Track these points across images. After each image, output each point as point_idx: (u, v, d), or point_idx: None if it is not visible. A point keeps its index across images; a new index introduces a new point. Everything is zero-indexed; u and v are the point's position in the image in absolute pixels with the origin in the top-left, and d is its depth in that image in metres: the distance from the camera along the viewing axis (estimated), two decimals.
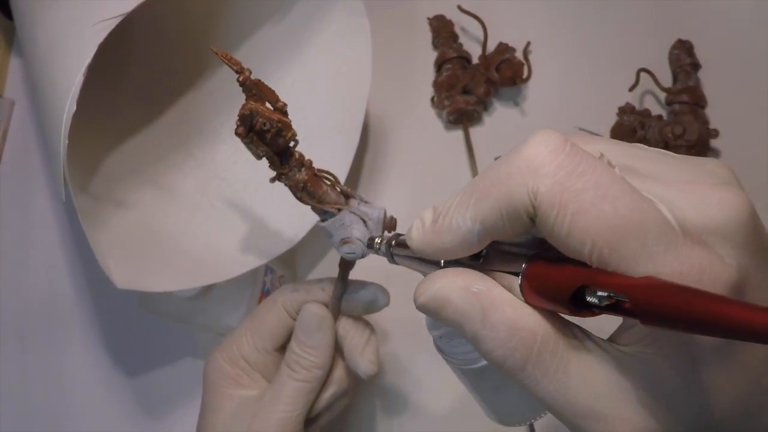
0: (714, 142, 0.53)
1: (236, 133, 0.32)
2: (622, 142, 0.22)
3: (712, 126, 0.53)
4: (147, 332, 0.56)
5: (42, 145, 0.65)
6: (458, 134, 0.58)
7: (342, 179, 0.45)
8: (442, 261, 0.24)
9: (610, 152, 0.21)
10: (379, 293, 0.39)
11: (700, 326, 0.16)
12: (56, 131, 0.38)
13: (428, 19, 0.61)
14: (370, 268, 0.41)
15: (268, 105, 0.32)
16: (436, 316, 0.22)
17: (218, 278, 0.45)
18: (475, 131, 0.57)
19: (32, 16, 0.45)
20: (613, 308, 0.18)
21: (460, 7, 0.59)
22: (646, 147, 0.22)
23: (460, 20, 0.60)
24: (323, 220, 0.35)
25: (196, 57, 0.55)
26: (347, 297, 0.39)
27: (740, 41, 0.57)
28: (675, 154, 0.22)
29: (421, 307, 0.23)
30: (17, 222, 0.62)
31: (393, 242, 0.30)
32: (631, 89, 0.55)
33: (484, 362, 0.31)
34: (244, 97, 0.55)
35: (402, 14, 0.63)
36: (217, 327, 0.49)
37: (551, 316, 0.21)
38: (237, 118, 0.31)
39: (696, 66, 0.56)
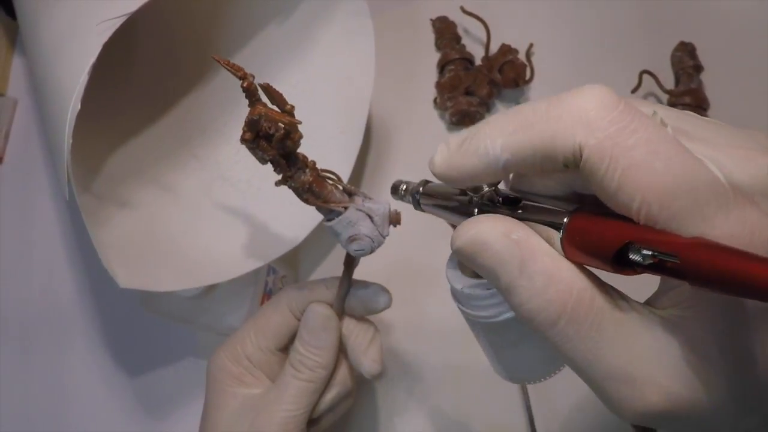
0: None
1: (242, 140, 0.32)
2: (676, 109, 0.22)
3: None
4: (148, 332, 0.56)
5: (44, 145, 0.65)
6: None
7: (345, 180, 0.45)
8: (476, 210, 0.24)
9: (663, 113, 0.21)
10: (381, 293, 0.39)
11: (750, 290, 0.15)
12: (60, 130, 0.38)
13: (431, 20, 0.61)
14: (372, 270, 0.41)
15: (273, 107, 0.32)
16: (472, 260, 0.22)
17: (221, 278, 0.45)
18: None
19: (36, 15, 0.45)
20: (657, 267, 0.18)
21: (463, 9, 0.59)
22: (698, 115, 0.22)
23: (462, 22, 0.60)
24: (329, 220, 0.35)
25: (199, 57, 0.55)
26: (350, 297, 0.39)
27: (743, 44, 0.57)
28: (726, 124, 0.22)
29: (458, 251, 0.22)
30: (19, 221, 0.62)
31: (420, 189, 0.30)
32: (633, 91, 0.55)
33: (504, 317, 0.30)
34: (245, 97, 0.55)
35: (405, 15, 0.63)
36: (219, 327, 0.49)
37: (589, 273, 0.20)
38: (244, 124, 0.31)
39: (698, 68, 0.56)
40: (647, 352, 0.19)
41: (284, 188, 0.51)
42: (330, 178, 0.36)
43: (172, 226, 0.49)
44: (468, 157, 0.21)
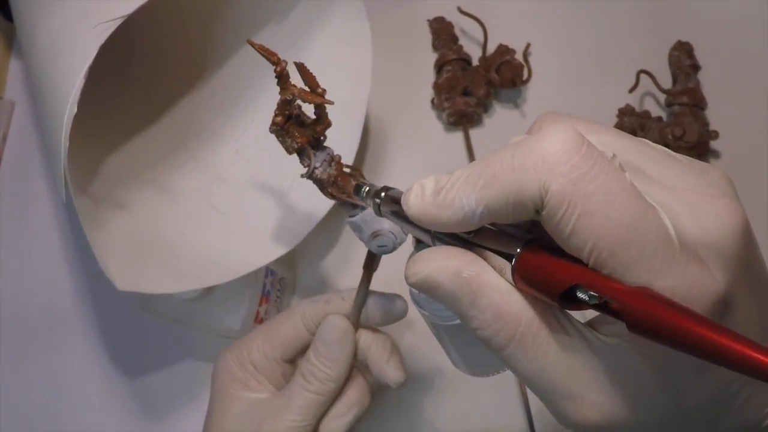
0: (713, 144, 0.53)
1: (273, 124, 0.31)
2: (631, 136, 0.23)
3: (711, 128, 0.53)
4: (146, 334, 0.56)
5: (42, 147, 0.65)
6: (458, 136, 0.58)
7: None
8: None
9: (620, 148, 0.21)
10: (398, 299, 0.39)
11: (682, 345, 0.17)
12: (57, 133, 0.38)
13: (428, 21, 0.61)
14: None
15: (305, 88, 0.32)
16: (426, 294, 0.23)
17: (219, 280, 0.45)
18: (475, 133, 0.57)
19: (33, 18, 0.45)
20: (601, 307, 0.19)
21: (460, 9, 0.59)
22: (654, 145, 0.23)
23: (460, 22, 0.60)
24: (351, 216, 0.35)
25: (196, 58, 0.55)
26: (368, 304, 0.38)
27: (740, 43, 0.57)
28: (680, 157, 0.22)
29: (412, 286, 0.24)
30: (17, 223, 0.62)
31: (382, 194, 0.30)
32: (631, 91, 0.55)
33: (458, 320, 0.31)
34: (244, 99, 0.55)
35: (402, 16, 0.63)
36: (217, 329, 0.49)
37: (537, 300, 0.22)
38: (276, 108, 0.31)
39: (696, 67, 0.56)
40: (587, 374, 0.21)
41: (283, 190, 0.51)
42: (352, 174, 0.35)
43: (170, 228, 0.48)
44: (443, 210, 0.22)
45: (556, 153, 0.19)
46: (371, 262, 0.37)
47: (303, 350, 0.39)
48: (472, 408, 0.50)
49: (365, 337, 0.39)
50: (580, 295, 0.19)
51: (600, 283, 0.19)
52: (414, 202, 0.23)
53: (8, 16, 0.65)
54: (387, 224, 0.34)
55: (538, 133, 0.20)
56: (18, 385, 0.57)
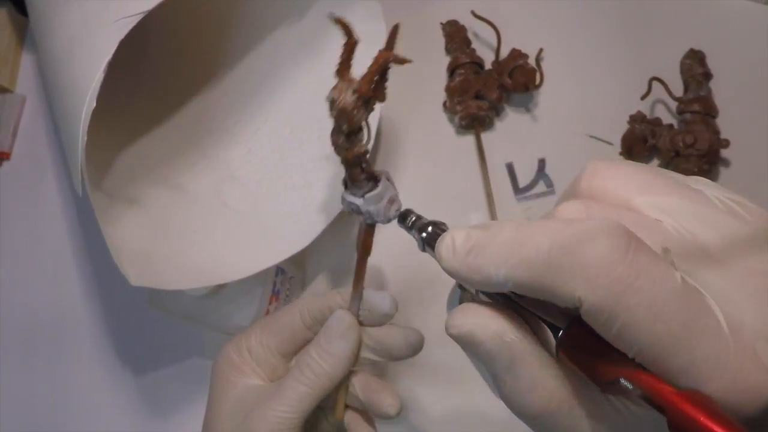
0: (724, 152, 0.53)
1: (360, 92, 0.30)
2: (690, 191, 0.21)
3: (723, 136, 0.53)
4: (154, 331, 0.56)
5: (52, 142, 0.65)
6: (470, 139, 0.58)
7: None
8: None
9: (677, 213, 0.20)
10: (387, 296, 0.39)
11: None
12: (74, 127, 0.38)
13: (441, 24, 0.61)
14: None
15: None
16: (464, 348, 0.23)
17: (230, 278, 0.45)
18: (486, 136, 0.58)
19: (50, 12, 0.45)
20: (646, 399, 0.18)
21: (473, 13, 0.59)
22: (714, 199, 0.21)
23: (473, 26, 0.61)
24: (364, 195, 0.34)
25: (210, 57, 0.55)
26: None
27: (752, 52, 0.57)
28: (743, 212, 0.21)
29: (452, 337, 0.23)
30: (26, 217, 0.62)
31: (429, 229, 0.29)
32: (642, 98, 0.56)
33: None
34: (257, 99, 0.55)
35: (415, 19, 0.63)
36: (227, 326, 0.49)
37: (575, 378, 0.21)
38: (367, 75, 0.30)
39: (708, 76, 0.56)
40: None
41: (294, 189, 0.51)
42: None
43: (182, 225, 0.48)
44: (472, 274, 0.21)
45: (598, 265, 0.18)
46: (367, 244, 0.37)
47: (298, 345, 0.39)
48: (475, 410, 0.50)
49: (358, 378, 0.39)
50: (625, 384, 0.19)
51: (647, 382, 0.18)
52: (446, 257, 0.22)
53: (22, 10, 0.65)
54: (393, 191, 0.34)
55: (579, 228, 0.19)
56: (25, 382, 0.57)
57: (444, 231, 0.28)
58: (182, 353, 0.55)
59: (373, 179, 0.34)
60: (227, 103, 0.55)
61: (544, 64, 0.58)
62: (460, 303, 0.28)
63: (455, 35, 0.60)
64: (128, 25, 0.37)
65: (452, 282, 0.30)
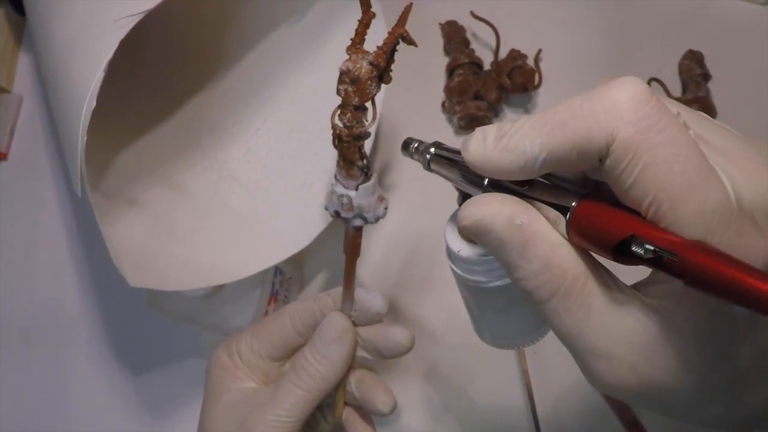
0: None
1: (377, 65, 0.29)
2: (693, 110, 0.23)
3: None
4: (153, 332, 0.55)
5: (49, 142, 0.65)
6: None
7: None
8: (486, 180, 0.25)
9: (684, 115, 0.22)
10: (377, 296, 0.39)
11: (742, 298, 0.16)
12: (73, 127, 0.37)
13: (440, 24, 0.61)
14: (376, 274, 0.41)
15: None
16: (476, 239, 0.23)
17: (229, 278, 0.44)
18: None
19: (49, 12, 0.45)
20: (656, 262, 0.19)
21: (472, 13, 0.59)
22: (714, 120, 0.23)
23: (472, 26, 0.61)
24: (364, 182, 0.33)
25: (210, 57, 0.55)
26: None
27: (751, 52, 0.57)
28: (739, 134, 0.22)
29: (464, 229, 0.23)
30: (23, 218, 0.62)
31: (432, 149, 0.29)
32: None
33: (495, 284, 0.30)
34: (257, 99, 0.55)
35: (414, 19, 0.62)
36: (225, 327, 0.49)
37: (585, 255, 0.22)
38: (379, 50, 0.30)
39: (706, 76, 0.56)
40: (628, 335, 0.21)
41: (293, 189, 0.51)
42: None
43: (181, 225, 0.48)
44: (505, 155, 0.22)
45: (627, 101, 0.19)
46: (355, 249, 0.36)
47: (289, 349, 0.39)
48: (477, 412, 0.50)
49: (353, 375, 0.39)
50: (635, 249, 0.19)
51: (658, 235, 0.19)
52: (475, 148, 0.23)
53: (19, 10, 0.65)
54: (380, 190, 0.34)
55: (608, 83, 0.20)
56: (23, 383, 0.56)
57: (445, 148, 0.29)
58: (181, 354, 0.55)
59: (366, 172, 0.34)
60: (227, 103, 0.55)
61: (542, 65, 0.58)
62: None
63: (454, 36, 0.60)
64: (129, 24, 0.37)
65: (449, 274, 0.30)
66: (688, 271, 0.18)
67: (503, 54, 0.58)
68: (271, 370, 0.39)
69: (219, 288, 0.47)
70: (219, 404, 0.38)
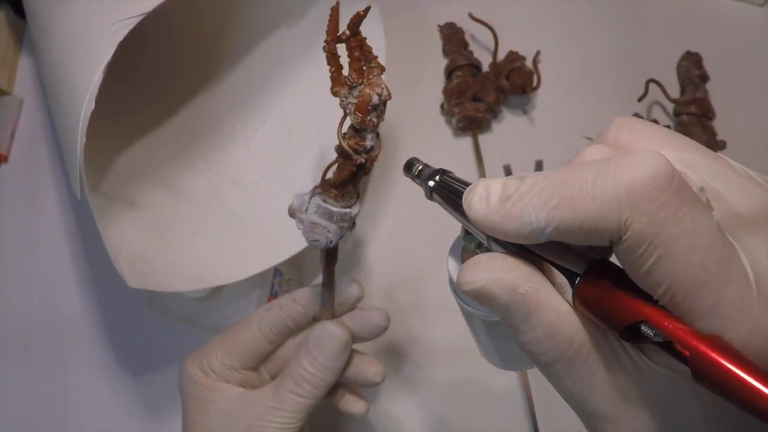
0: (721, 154, 0.54)
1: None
2: (710, 152, 0.21)
3: (719, 137, 0.54)
4: (152, 334, 0.56)
5: (50, 144, 0.65)
6: (467, 141, 0.58)
7: None
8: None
9: (701, 169, 0.20)
10: (352, 283, 0.40)
11: (749, 407, 0.16)
12: (72, 129, 0.38)
13: (439, 26, 0.62)
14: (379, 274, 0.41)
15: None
16: (479, 303, 0.22)
17: (228, 280, 0.45)
18: (484, 138, 0.58)
19: (48, 14, 0.45)
20: (665, 346, 0.18)
21: (471, 15, 0.60)
22: (733, 163, 0.21)
23: (470, 28, 0.61)
24: (352, 206, 0.35)
25: (208, 58, 0.55)
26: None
27: (748, 53, 0.58)
28: (762, 179, 0.21)
29: (465, 294, 0.22)
30: (23, 220, 0.62)
31: (437, 177, 0.27)
32: (639, 99, 0.56)
33: None
34: (255, 100, 0.55)
35: (413, 21, 0.63)
36: (224, 328, 0.49)
37: (592, 324, 0.21)
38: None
39: (704, 78, 0.56)
40: (631, 401, 0.20)
41: (291, 191, 0.51)
42: None
43: (180, 227, 0.49)
44: (509, 222, 0.20)
45: (644, 188, 0.18)
46: (334, 255, 0.37)
47: (261, 357, 0.40)
48: (477, 416, 0.50)
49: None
50: (645, 330, 0.18)
51: (670, 325, 0.18)
52: (477, 207, 0.21)
53: (20, 13, 0.65)
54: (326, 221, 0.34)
55: (624, 158, 0.19)
56: (23, 384, 0.56)
57: (451, 178, 0.27)
58: (180, 356, 0.55)
59: (357, 195, 0.34)
60: (226, 105, 0.55)
61: (541, 67, 0.58)
62: (463, 252, 0.28)
63: (452, 37, 0.60)
64: (127, 27, 0.37)
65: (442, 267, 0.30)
66: (698, 368, 0.17)
67: (502, 56, 0.58)
68: (248, 377, 0.40)
69: (218, 289, 0.47)
70: (209, 416, 0.39)
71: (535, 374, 0.49)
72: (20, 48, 0.70)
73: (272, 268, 0.49)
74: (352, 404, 0.42)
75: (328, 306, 0.39)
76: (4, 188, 0.64)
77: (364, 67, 0.31)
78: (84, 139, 0.36)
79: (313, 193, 0.35)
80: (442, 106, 0.59)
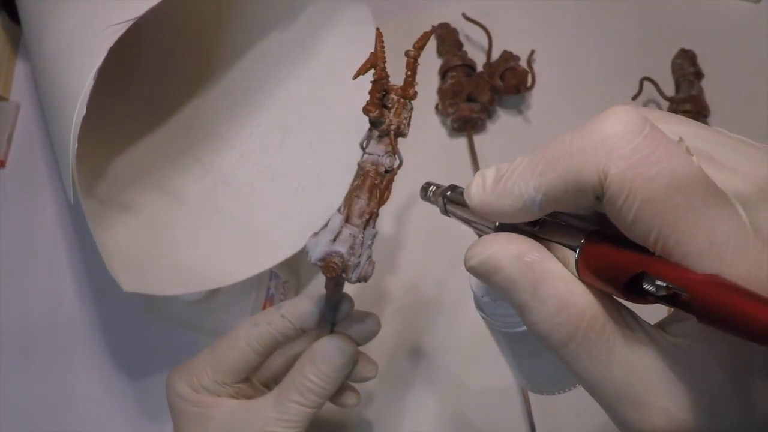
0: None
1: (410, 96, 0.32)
2: (704, 125, 0.21)
3: None
4: (150, 337, 0.56)
5: (47, 149, 0.65)
6: (462, 141, 0.58)
7: (346, 185, 0.45)
8: (497, 222, 0.24)
9: (688, 135, 0.20)
10: (373, 319, 0.40)
11: (755, 335, 0.15)
12: (65, 134, 0.38)
13: (433, 26, 0.62)
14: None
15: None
16: (485, 280, 0.22)
17: (223, 282, 0.45)
18: (478, 139, 0.58)
19: (41, 20, 0.45)
20: (669, 299, 0.17)
21: (465, 16, 0.60)
22: (727, 132, 0.21)
23: (464, 28, 0.61)
24: (371, 227, 0.36)
25: (203, 62, 0.55)
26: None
27: (743, 51, 0.58)
28: (756, 144, 0.21)
29: (471, 270, 0.22)
30: (21, 225, 0.62)
31: (448, 193, 0.30)
32: (634, 98, 0.56)
33: (523, 328, 0.30)
34: (250, 103, 0.55)
35: (407, 22, 0.63)
36: (221, 331, 0.49)
37: (603, 295, 0.20)
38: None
39: (699, 75, 0.56)
40: (656, 378, 0.19)
41: (288, 193, 0.52)
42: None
43: (176, 230, 0.49)
44: (503, 199, 0.21)
45: (616, 135, 0.18)
46: (337, 291, 0.37)
47: (253, 370, 0.40)
48: (475, 417, 0.50)
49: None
50: (647, 286, 0.18)
51: (667, 270, 0.18)
52: (475, 193, 0.22)
53: (15, 18, 0.66)
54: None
55: (597, 117, 0.19)
56: (21, 389, 0.57)
57: (460, 193, 0.29)
58: (178, 359, 0.55)
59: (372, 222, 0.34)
60: (220, 108, 0.55)
61: (535, 66, 0.58)
62: None
63: (447, 38, 0.60)
64: (118, 31, 0.37)
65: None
66: (700, 308, 0.16)
67: (496, 55, 0.58)
68: (240, 389, 0.40)
69: (214, 292, 0.47)
70: (208, 428, 0.39)
71: None
72: (16, 53, 0.71)
73: (268, 271, 0.49)
74: (346, 398, 0.42)
75: (328, 315, 0.39)
76: (1, 193, 0.64)
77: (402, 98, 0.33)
78: (76, 144, 0.37)
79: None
80: (436, 107, 0.59)
